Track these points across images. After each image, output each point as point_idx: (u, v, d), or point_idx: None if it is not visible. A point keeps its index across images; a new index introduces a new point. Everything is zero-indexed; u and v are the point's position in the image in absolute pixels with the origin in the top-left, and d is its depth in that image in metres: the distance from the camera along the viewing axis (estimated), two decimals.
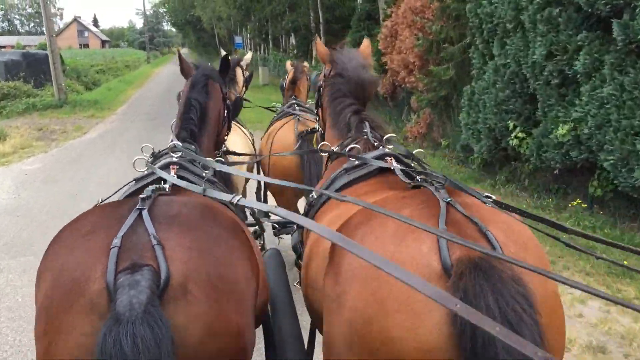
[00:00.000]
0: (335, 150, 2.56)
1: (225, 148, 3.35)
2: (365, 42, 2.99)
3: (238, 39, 29.92)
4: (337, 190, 2.25)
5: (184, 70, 2.89)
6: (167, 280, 1.44)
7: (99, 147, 12.28)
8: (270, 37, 36.55)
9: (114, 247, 1.48)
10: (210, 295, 1.50)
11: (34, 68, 22.41)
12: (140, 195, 1.75)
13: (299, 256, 2.53)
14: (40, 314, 1.49)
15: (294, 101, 5.10)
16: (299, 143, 4.41)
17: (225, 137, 3.10)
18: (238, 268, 1.66)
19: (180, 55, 3.03)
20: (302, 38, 27.93)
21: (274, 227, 4.09)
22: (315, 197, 2.40)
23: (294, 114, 4.73)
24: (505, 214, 1.69)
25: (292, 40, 29.75)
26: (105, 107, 19.29)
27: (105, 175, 9.33)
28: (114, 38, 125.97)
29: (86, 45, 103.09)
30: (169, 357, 1.33)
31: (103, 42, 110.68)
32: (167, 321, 1.36)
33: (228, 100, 2.96)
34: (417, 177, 2.09)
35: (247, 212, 3.40)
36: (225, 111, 2.92)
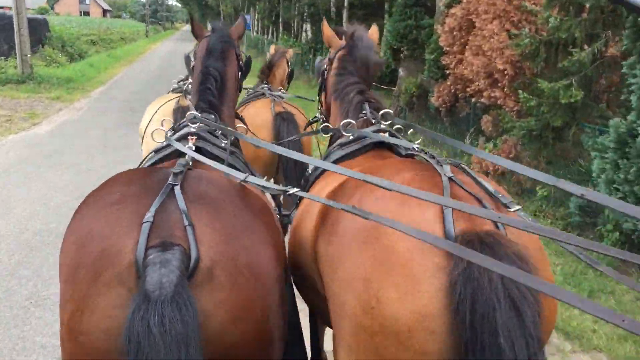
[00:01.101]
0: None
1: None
2: (374, 28, 2.97)
3: (247, 18, 26.36)
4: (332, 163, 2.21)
5: (195, 32, 2.85)
6: (197, 262, 1.43)
7: (36, 155, 8.33)
8: (280, 20, 33.03)
9: (146, 221, 1.45)
10: (236, 281, 1.49)
11: (7, 33, 19.13)
12: (173, 170, 1.72)
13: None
14: (66, 279, 1.47)
15: (265, 85, 4.93)
16: (277, 125, 4.24)
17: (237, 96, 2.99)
18: (265, 255, 1.64)
19: (192, 18, 3.00)
20: (321, 26, 24.44)
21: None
22: (310, 171, 2.49)
23: (266, 96, 4.58)
24: (499, 188, 1.69)
25: (307, 27, 26.15)
26: (78, 87, 15.77)
27: (17, 220, 5.86)
28: (117, 8, 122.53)
29: (87, 13, 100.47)
30: (196, 339, 1.32)
31: (104, 12, 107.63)
32: (195, 303, 1.35)
33: (241, 62, 2.87)
34: (415, 147, 2.12)
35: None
36: (240, 73, 2.84)
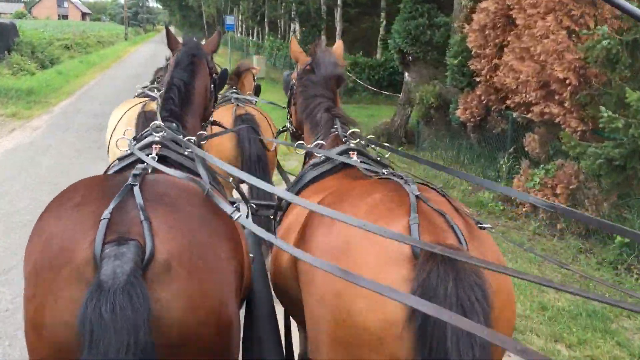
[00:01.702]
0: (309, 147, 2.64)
1: (211, 119, 3.16)
2: (338, 43, 3.15)
3: (230, 20, 24.59)
4: (305, 184, 2.38)
5: (171, 45, 2.90)
6: (152, 255, 1.49)
7: None
8: (266, 20, 31.24)
9: (103, 218, 1.52)
10: (192, 272, 1.55)
11: None
12: (133, 172, 1.79)
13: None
14: (29, 279, 1.54)
15: (233, 91, 4.99)
16: (237, 126, 4.32)
17: (212, 110, 3.08)
18: (219, 249, 1.72)
19: (168, 30, 3.04)
20: (311, 26, 22.63)
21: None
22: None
23: (230, 101, 4.69)
24: (459, 205, 1.79)
25: (296, 27, 24.35)
26: (40, 101, 13.88)
27: None
28: (96, 11, 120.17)
29: (66, 17, 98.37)
30: (146, 326, 1.37)
31: (83, 15, 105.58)
32: (146, 293, 1.40)
33: (215, 75, 2.95)
34: (383, 170, 2.20)
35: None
36: (212, 85, 2.92)
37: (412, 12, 10.64)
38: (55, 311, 1.44)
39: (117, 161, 2.32)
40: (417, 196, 1.66)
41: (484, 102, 7.84)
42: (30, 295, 1.51)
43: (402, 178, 1.87)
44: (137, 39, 56.30)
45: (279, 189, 2.04)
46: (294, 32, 23.33)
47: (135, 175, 1.74)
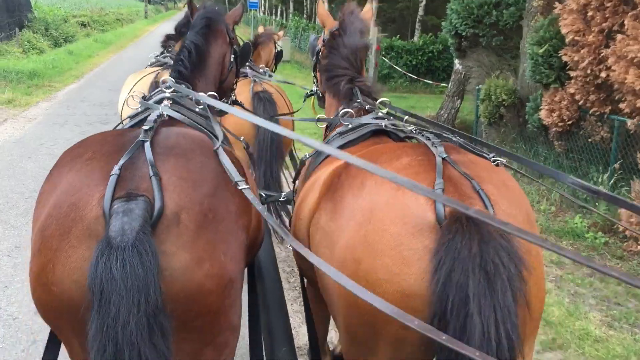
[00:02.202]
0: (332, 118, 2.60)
1: (234, 97, 3.16)
2: (367, 7, 2.97)
3: None
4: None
5: (193, 15, 2.80)
6: (161, 210, 1.48)
7: None
8: None
9: (113, 174, 1.51)
10: (201, 224, 1.55)
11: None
12: (143, 127, 1.76)
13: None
14: (39, 234, 1.52)
15: (247, 64, 4.64)
16: (255, 104, 4.20)
17: (234, 86, 3.05)
18: (230, 202, 1.70)
19: (190, 2, 2.93)
20: (339, 2, 20.79)
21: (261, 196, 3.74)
22: (308, 156, 2.54)
23: (247, 75, 4.42)
24: (499, 171, 1.75)
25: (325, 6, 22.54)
26: (43, 85, 12.45)
27: None
28: None
29: None
30: (155, 284, 1.37)
31: None
32: (155, 250, 1.40)
33: (235, 46, 2.87)
34: (413, 129, 2.17)
35: None
36: (232, 56, 2.84)
37: None
38: (66, 269, 1.43)
39: (129, 119, 2.26)
40: (444, 159, 1.65)
41: (579, 102, 6.14)
42: (38, 248, 1.50)
43: (429, 139, 1.86)
44: (157, 17, 54.70)
45: (317, 142, 1.71)
46: None
47: (146, 131, 1.72)
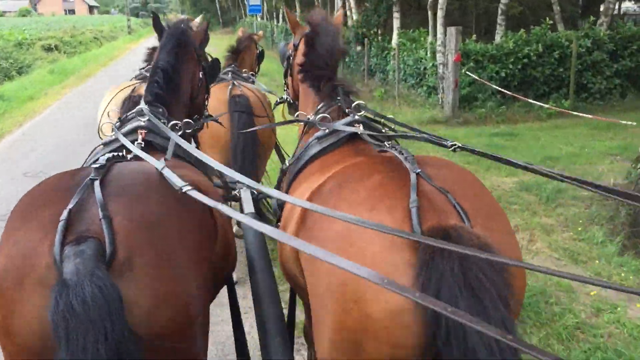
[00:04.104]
0: (309, 119, 2.58)
1: (206, 113, 3.12)
2: (340, 12, 3.10)
3: (254, 1, 17.72)
4: (309, 159, 2.33)
5: (157, 30, 2.79)
6: (113, 253, 1.46)
7: None
8: (298, 1, 24.22)
9: (62, 220, 1.49)
10: (156, 269, 1.52)
11: None
12: (94, 165, 1.75)
13: (278, 219, 2.62)
14: None
15: (229, 69, 4.85)
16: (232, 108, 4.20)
17: (206, 102, 3.04)
18: (187, 239, 1.68)
19: (154, 17, 2.81)
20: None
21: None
22: (288, 164, 2.55)
23: (226, 80, 4.50)
24: (473, 182, 1.77)
25: (351, 5, 17.18)
26: None
27: None
28: (104, 4, 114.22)
29: (72, 11, 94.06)
30: (120, 311, 1.36)
31: (90, 8, 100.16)
32: (114, 283, 1.38)
33: (203, 62, 2.88)
34: (386, 143, 2.18)
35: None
36: (201, 73, 2.84)
37: None
38: (24, 320, 1.42)
39: (102, 146, 2.26)
40: (417, 174, 1.65)
41: None
42: None
43: (402, 154, 1.86)
44: (143, 32, 49.36)
45: (267, 188, 1.89)
46: (350, 10, 16.18)
47: (97, 169, 1.70)
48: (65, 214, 1.48)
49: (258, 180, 4.24)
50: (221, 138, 4.04)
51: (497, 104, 10.70)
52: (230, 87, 4.27)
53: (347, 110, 2.42)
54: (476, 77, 10.44)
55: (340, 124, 2.33)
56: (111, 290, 1.35)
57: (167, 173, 1.74)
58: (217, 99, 4.07)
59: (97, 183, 1.60)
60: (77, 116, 10.29)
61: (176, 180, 1.68)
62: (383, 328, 1.40)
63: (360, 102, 2.46)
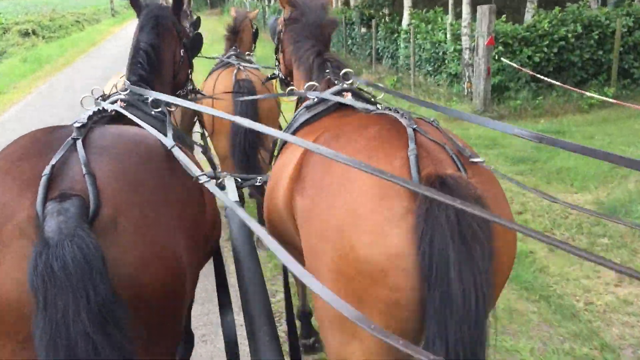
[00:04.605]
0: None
1: (191, 86, 3.05)
2: None
3: None
4: (299, 127, 2.32)
5: (135, 7, 2.72)
6: (97, 210, 1.43)
7: None
8: None
9: (44, 175, 1.45)
10: (141, 225, 1.50)
11: None
12: (75, 124, 1.70)
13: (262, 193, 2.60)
14: None
15: (233, 52, 4.87)
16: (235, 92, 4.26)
17: (190, 77, 2.99)
18: (171, 201, 1.66)
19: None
20: None
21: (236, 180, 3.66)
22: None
23: (233, 64, 4.55)
24: (462, 140, 1.78)
25: None
26: None
27: None
28: None
29: None
30: (103, 274, 1.32)
31: None
32: (97, 243, 1.34)
33: (185, 39, 2.82)
34: (378, 106, 2.13)
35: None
36: (182, 50, 2.80)
37: None
38: (2, 270, 1.37)
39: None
40: (414, 129, 1.65)
41: None
42: None
43: (398, 112, 1.85)
44: (127, 14, 47.14)
45: (273, 130, 1.87)
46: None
47: (78, 128, 1.66)
48: (47, 169, 1.45)
49: (260, 166, 4.22)
50: (226, 123, 4.06)
51: (532, 95, 9.30)
52: (235, 71, 4.38)
53: (336, 81, 2.41)
54: (513, 64, 9.01)
55: (328, 93, 2.32)
56: (94, 251, 1.31)
57: (177, 152, 1.75)
58: (224, 84, 4.29)
59: (79, 142, 1.57)
60: (47, 117, 8.78)
61: (193, 169, 1.71)
62: (380, 272, 1.42)
63: (349, 69, 2.43)
